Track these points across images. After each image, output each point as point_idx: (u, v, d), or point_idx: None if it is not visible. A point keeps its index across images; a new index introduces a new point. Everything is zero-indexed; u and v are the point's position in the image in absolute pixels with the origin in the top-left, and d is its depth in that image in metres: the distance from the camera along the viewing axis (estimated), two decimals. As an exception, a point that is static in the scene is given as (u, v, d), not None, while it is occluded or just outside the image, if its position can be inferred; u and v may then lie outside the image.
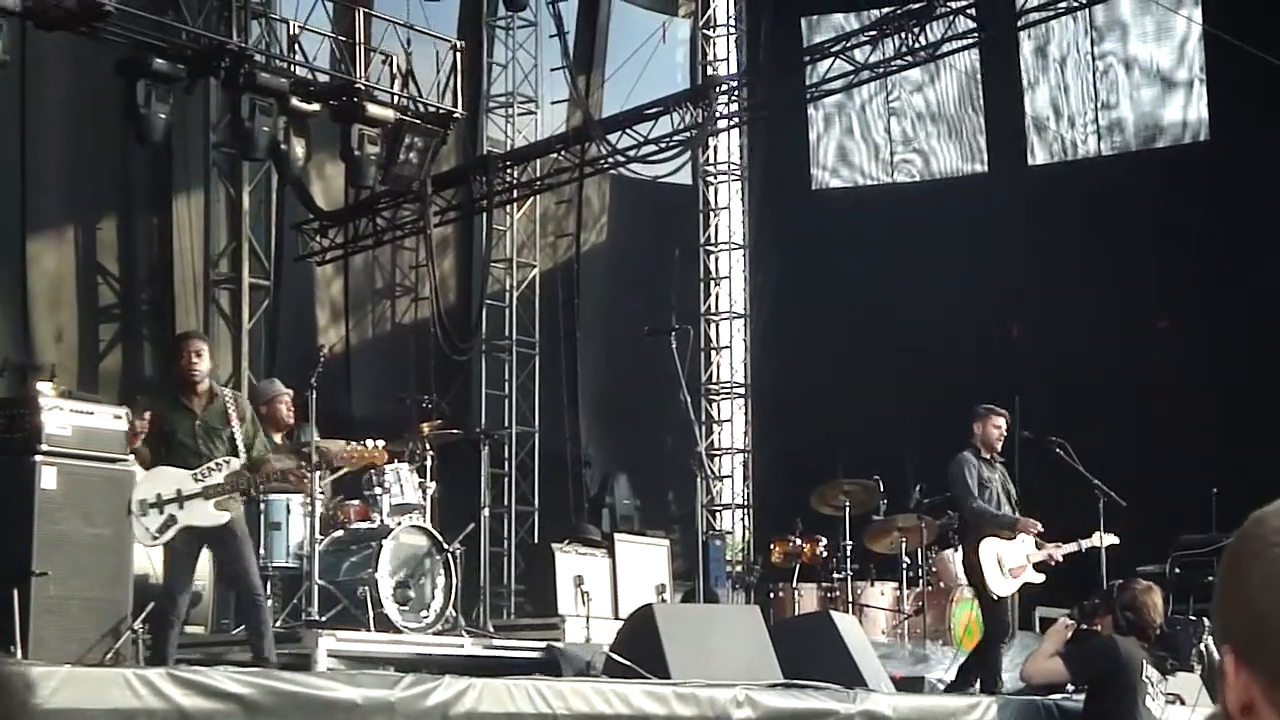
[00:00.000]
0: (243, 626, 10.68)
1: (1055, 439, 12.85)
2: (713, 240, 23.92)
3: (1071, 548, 12.90)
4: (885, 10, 18.29)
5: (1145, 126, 22.01)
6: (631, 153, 18.52)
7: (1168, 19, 21.31)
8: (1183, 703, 10.83)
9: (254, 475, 10.23)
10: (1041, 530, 12.73)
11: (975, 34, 17.91)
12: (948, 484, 13.33)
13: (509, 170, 19.69)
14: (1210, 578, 13.44)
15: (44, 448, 9.28)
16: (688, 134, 18.44)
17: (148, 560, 11.05)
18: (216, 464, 10.06)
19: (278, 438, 12.87)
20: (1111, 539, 13.03)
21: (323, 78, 16.45)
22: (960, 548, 13.81)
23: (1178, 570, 15.52)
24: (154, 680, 7.56)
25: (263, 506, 11.89)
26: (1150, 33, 21.82)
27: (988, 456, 12.82)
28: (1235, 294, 19.96)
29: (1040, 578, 12.88)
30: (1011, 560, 12.64)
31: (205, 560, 12.37)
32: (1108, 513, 13.07)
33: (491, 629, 13.19)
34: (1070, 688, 11.44)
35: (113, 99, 15.69)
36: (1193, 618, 13.44)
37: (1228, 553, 1.78)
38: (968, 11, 17.38)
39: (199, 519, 9.95)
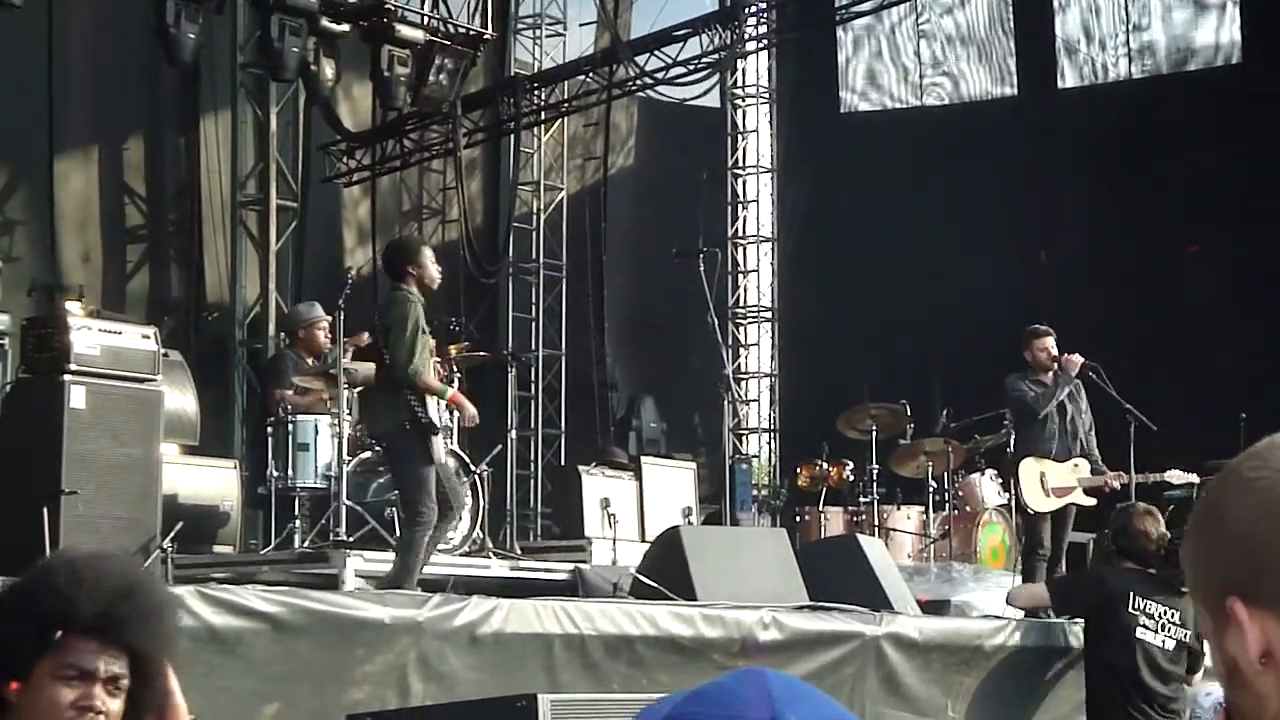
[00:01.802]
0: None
1: (1088, 362, 12.83)
2: (740, 164, 23.84)
3: (1139, 479, 12.90)
4: (916, -68, 18.17)
5: (1177, 49, 21.85)
6: (659, 75, 18.43)
7: (1201, -60, 21.14)
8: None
9: None
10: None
11: (1007, -45, 17.79)
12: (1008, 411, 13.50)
13: (536, 92, 19.61)
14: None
15: (73, 367, 9.29)
16: (716, 56, 18.35)
17: (175, 480, 11.13)
18: None
19: (311, 362, 12.89)
20: (1190, 478, 12.98)
21: (352, -1, 16.39)
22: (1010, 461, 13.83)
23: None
24: (184, 598, 7.59)
25: (291, 427, 11.93)
26: (1183, -46, 21.64)
27: (1043, 378, 12.83)
28: (1265, 219, 19.83)
29: (1090, 501, 12.90)
30: (1056, 480, 12.68)
31: (233, 477, 12.49)
32: (1138, 436, 13.05)
33: (518, 551, 13.22)
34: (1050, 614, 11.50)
35: (141, 18, 15.66)
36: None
37: (1211, 499, 1.73)
38: (999, -68, 17.26)
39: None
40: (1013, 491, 13.02)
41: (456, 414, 11.00)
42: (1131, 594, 10.26)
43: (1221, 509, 1.69)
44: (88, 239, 17.16)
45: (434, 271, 10.29)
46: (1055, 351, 12.80)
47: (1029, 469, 12.69)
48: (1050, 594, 11.44)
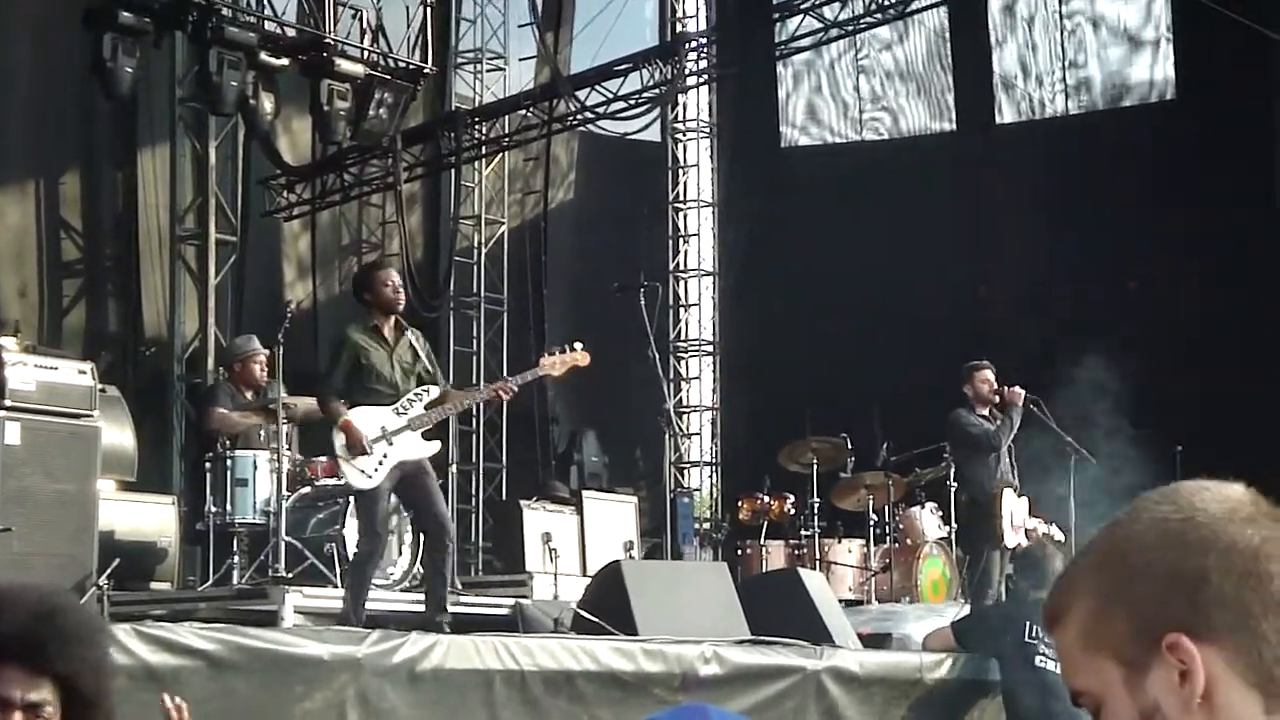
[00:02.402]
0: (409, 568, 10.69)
1: (1029, 395, 12.89)
2: (681, 197, 23.88)
3: (1044, 529, 12.97)
4: (855, -33, 18.23)
5: (1112, 85, 22.03)
6: (601, 109, 18.46)
7: (1136, -23, 21.33)
8: None
9: (444, 406, 10.38)
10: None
11: (944, -8, 17.90)
12: (950, 442, 13.46)
13: (477, 126, 19.61)
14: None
15: (7, 403, 9.23)
16: (657, 91, 18.38)
17: (112, 517, 11.04)
18: (416, 394, 10.17)
19: (249, 395, 12.84)
20: (1059, 534, 13.11)
21: (291, 32, 16.37)
22: (964, 499, 13.77)
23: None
24: (120, 637, 7.53)
25: (229, 462, 11.86)
26: (1118, -9, 21.83)
27: (984, 413, 12.87)
28: (1201, 252, 19.99)
29: (1025, 543, 12.96)
30: (1018, 517, 12.75)
31: (171, 513, 12.39)
32: (1077, 469, 13.12)
33: (459, 585, 13.16)
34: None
35: (78, 52, 15.59)
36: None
37: (1123, 547, 1.74)
38: (937, -31, 17.36)
39: (410, 452, 10.04)
40: (986, 525, 12.93)
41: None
42: (1029, 623, 10.32)
43: (1143, 554, 1.71)
44: (24, 274, 17.05)
45: (386, 294, 10.27)
46: (995, 384, 12.85)
47: (1006, 502, 12.70)
48: (955, 635, 11.47)
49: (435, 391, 10.34)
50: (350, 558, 11.24)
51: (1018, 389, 12.83)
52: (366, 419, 10.01)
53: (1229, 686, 1.65)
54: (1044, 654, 10.22)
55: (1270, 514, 1.73)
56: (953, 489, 14.11)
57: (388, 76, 16.72)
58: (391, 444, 10.01)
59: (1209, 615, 1.67)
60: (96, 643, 2.87)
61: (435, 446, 10.32)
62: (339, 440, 10.01)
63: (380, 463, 9.96)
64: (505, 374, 20.43)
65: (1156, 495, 1.77)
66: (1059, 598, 1.78)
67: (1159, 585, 1.69)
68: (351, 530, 11.46)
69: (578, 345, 11.06)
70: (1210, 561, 1.68)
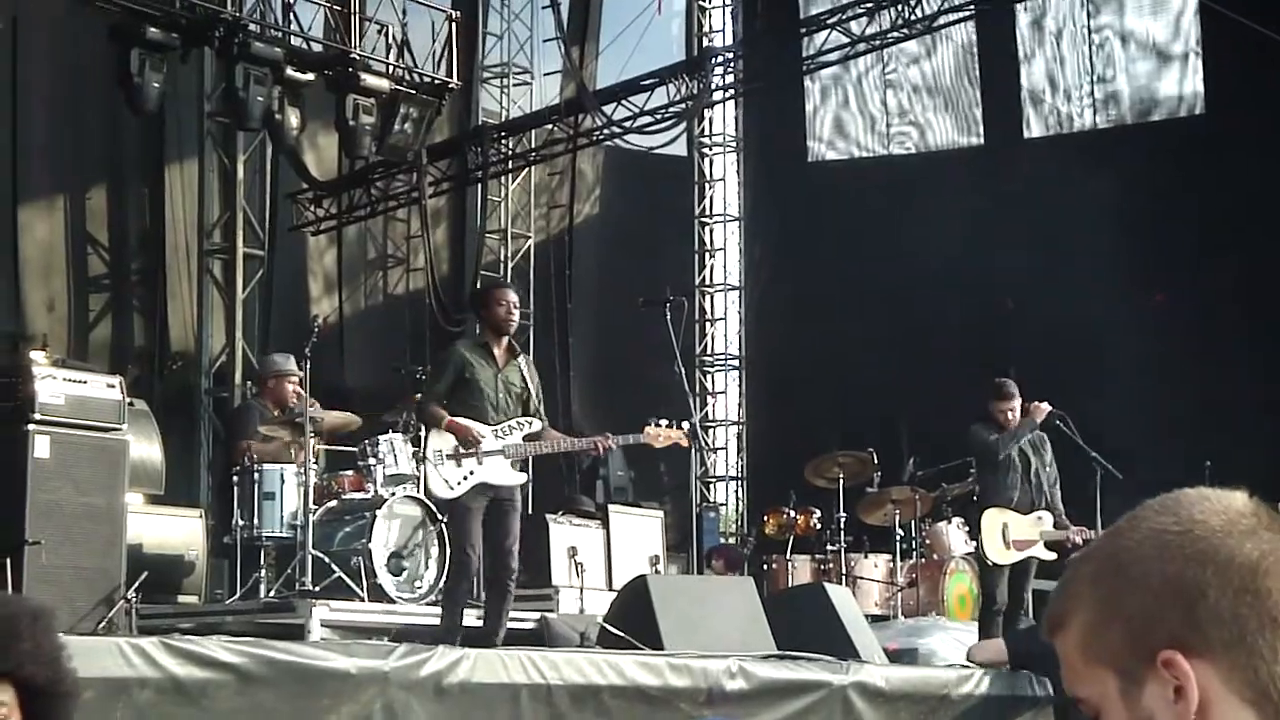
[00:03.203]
0: (479, 598, 10.64)
1: (1055, 410, 12.84)
2: (708, 212, 23.90)
3: (1083, 537, 12.89)
4: (882, -18, 18.24)
5: (1140, 100, 21.97)
6: (627, 124, 18.50)
7: (1164, -9, 21.29)
8: None
9: (540, 443, 10.35)
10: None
11: (971, 6, 17.88)
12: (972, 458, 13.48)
13: (503, 141, 19.65)
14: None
15: (37, 417, 9.24)
16: (683, 105, 18.42)
17: (140, 530, 11.07)
18: (518, 423, 10.18)
19: (277, 412, 12.85)
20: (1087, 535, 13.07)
21: (317, 47, 16.43)
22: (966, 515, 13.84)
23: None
24: (147, 649, 7.55)
25: (256, 476, 11.88)
26: (1146, 5, 21.77)
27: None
28: (1229, 267, 19.93)
29: (1051, 555, 12.86)
30: (1018, 532, 12.63)
31: (198, 526, 12.42)
32: (1104, 485, 13.07)
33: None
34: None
35: (105, 68, 15.66)
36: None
37: (1120, 559, 1.73)
38: (964, -17, 17.35)
39: (496, 476, 10.03)
40: (977, 539, 13.00)
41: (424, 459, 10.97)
42: None
43: (1140, 565, 1.71)
44: (52, 288, 17.12)
45: (499, 313, 10.30)
46: (1010, 414, 12.77)
47: (991, 520, 12.64)
48: (1008, 650, 11.41)
49: (537, 425, 10.32)
50: (378, 573, 11.28)
51: (1044, 405, 12.78)
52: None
53: (1224, 703, 1.65)
54: None
55: (1271, 526, 1.71)
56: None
57: (413, 91, 16.76)
58: (481, 463, 10.01)
59: (1205, 630, 1.65)
60: (43, 635, 2.80)
61: (523, 478, 10.30)
62: (435, 444, 9.99)
63: (465, 477, 9.98)
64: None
65: (1157, 505, 1.76)
66: (1059, 606, 1.78)
67: (1155, 598, 1.68)
68: (378, 544, 11.48)
69: (684, 425, 11.02)
70: (1207, 576, 1.67)
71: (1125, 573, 1.71)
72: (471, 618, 10.34)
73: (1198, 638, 1.66)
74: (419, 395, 10.37)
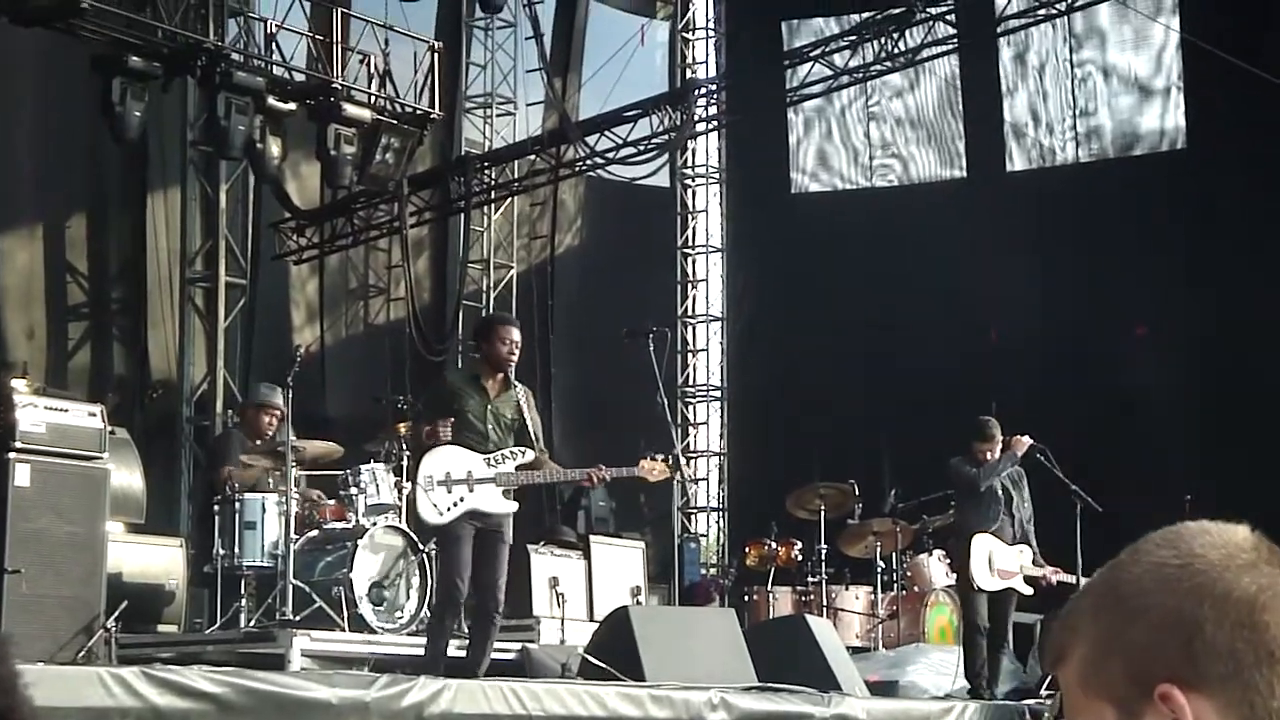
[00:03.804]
0: (461, 629, 10.57)
1: (1036, 444, 12.86)
2: (690, 243, 23.92)
3: (1068, 579, 12.90)
4: (865, 15, 18.30)
5: (1123, 134, 22.05)
6: (610, 155, 18.52)
7: (1146, 27, 21.35)
8: None
9: (534, 472, 10.33)
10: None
11: (954, 40, 17.95)
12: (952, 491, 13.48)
13: (486, 171, 19.66)
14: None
15: (18, 445, 9.22)
16: (666, 137, 18.45)
17: (120, 559, 11.03)
18: (511, 452, 10.14)
19: (257, 441, 12.81)
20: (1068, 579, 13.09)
21: (299, 77, 16.42)
22: (951, 542, 13.81)
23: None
24: (128, 679, 7.52)
25: (237, 505, 11.84)
26: (1129, 41, 21.86)
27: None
28: (1211, 301, 19.99)
29: (1029, 590, 12.89)
30: (1003, 562, 12.66)
31: (178, 555, 12.38)
32: (1084, 518, 13.08)
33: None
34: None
35: (86, 96, 15.64)
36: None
37: (1120, 590, 1.72)
38: (947, 18, 17.41)
39: (487, 504, 10.00)
40: (960, 563, 12.96)
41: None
42: None
43: (1139, 599, 1.70)
44: (32, 316, 17.08)
45: (501, 351, 10.28)
46: (987, 456, 12.80)
47: (980, 545, 12.66)
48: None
49: (530, 455, 10.27)
50: (359, 603, 11.26)
51: (1024, 438, 12.80)
52: (456, 458, 10.00)
53: None
54: None
55: (1272, 561, 1.70)
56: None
57: (394, 121, 16.76)
58: (472, 490, 9.97)
59: (1202, 665, 1.65)
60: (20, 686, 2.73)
61: (514, 506, 10.23)
62: (426, 470, 9.96)
63: (455, 504, 9.93)
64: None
65: (1158, 537, 1.76)
66: (1059, 638, 1.77)
67: (1153, 633, 1.68)
68: (359, 573, 11.46)
69: (671, 457, 11.01)
70: (1205, 610, 1.66)
71: (1124, 605, 1.71)
72: (454, 648, 10.30)
73: (1194, 672, 1.65)
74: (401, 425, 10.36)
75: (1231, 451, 18.42)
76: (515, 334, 10.49)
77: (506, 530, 10.19)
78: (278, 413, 12.64)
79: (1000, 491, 12.86)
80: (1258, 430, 18.85)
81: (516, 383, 10.44)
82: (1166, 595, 1.69)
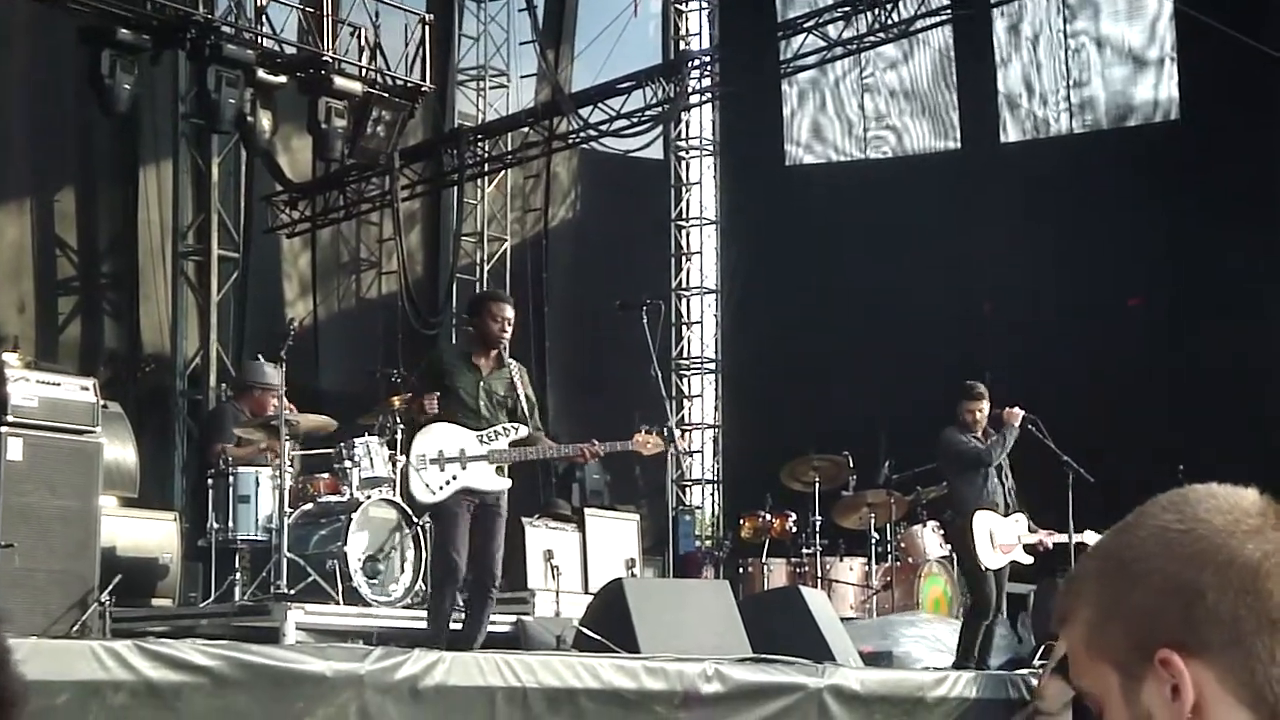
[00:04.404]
0: (459, 604, 10.49)
1: (1028, 414, 12.83)
2: (684, 215, 23.89)
3: (1062, 539, 12.90)
4: (859, -14, 18.25)
5: (1116, 105, 22.03)
6: (603, 127, 18.49)
7: (1140, -3, 21.34)
8: None
9: (528, 449, 10.32)
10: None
11: (948, 11, 17.90)
12: (941, 461, 13.33)
13: (479, 144, 19.62)
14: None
15: (10, 419, 9.20)
16: (660, 109, 18.40)
17: (114, 533, 11.02)
18: (504, 429, 10.13)
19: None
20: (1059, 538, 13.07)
21: (290, 50, 16.38)
22: (947, 517, 13.72)
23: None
24: (121, 652, 7.52)
25: (231, 479, 11.84)
26: (1122, 11, 21.84)
27: (977, 434, 12.77)
28: (1204, 272, 20.00)
29: (1029, 559, 12.88)
30: (1003, 536, 12.62)
31: (173, 529, 12.37)
32: (1076, 488, 13.08)
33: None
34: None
35: (76, 69, 15.59)
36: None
37: (1124, 554, 1.72)
38: (941, -12, 17.37)
39: (480, 481, 9.99)
40: (964, 544, 12.87)
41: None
42: None
43: (1142, 563, 1.69)
44: (22, 289, 17.04)
45: (492, 328, 10.25)
46: (980, 416, 12.77)
47: (981, 523, 12.58)
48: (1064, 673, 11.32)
49: (524, 431, 10.27)
50: (353, 576, 11.26)
51: (1016, 409, 12.77)
52: (449, 436, 9.99)
53: (1220, 704, 1.63)
54: None
55: (1279, 526, 1.69)
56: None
57: (385, 94, 16.72)
58: (465, 468, 9.96)
59: (1203, 631, 1.64)
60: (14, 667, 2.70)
61: (507, 483, 10.22)
62: (419, 449, 9.93)
63: (448, 482, 9.92)
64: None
65: (1164, 500, 1.75)
66: (1065, 601, 1.77)
67: (1155, 597, 1.67)
68: (353, 547, 11.45)
69: (665, 430, 11.00)
70: (1207, 576, 1.65)
71: (1128, 570, 1.70)
72: (452, 621, 10.30)
73: (1195, 638, 1.64)
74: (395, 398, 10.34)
75: (1224, 422, 18.42)
76: (508, 310, 10.46)
77: (502, 504, 10.19)
78: (275, 391, 12.63)
79: None
80: (1250, 401, 18.88)
81: (511, 359, 10.42)
82: (1169, 560, 1.68)
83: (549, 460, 16.57)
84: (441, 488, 9.91)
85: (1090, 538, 12.95)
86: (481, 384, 10.15)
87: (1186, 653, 1.64)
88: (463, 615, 10.24)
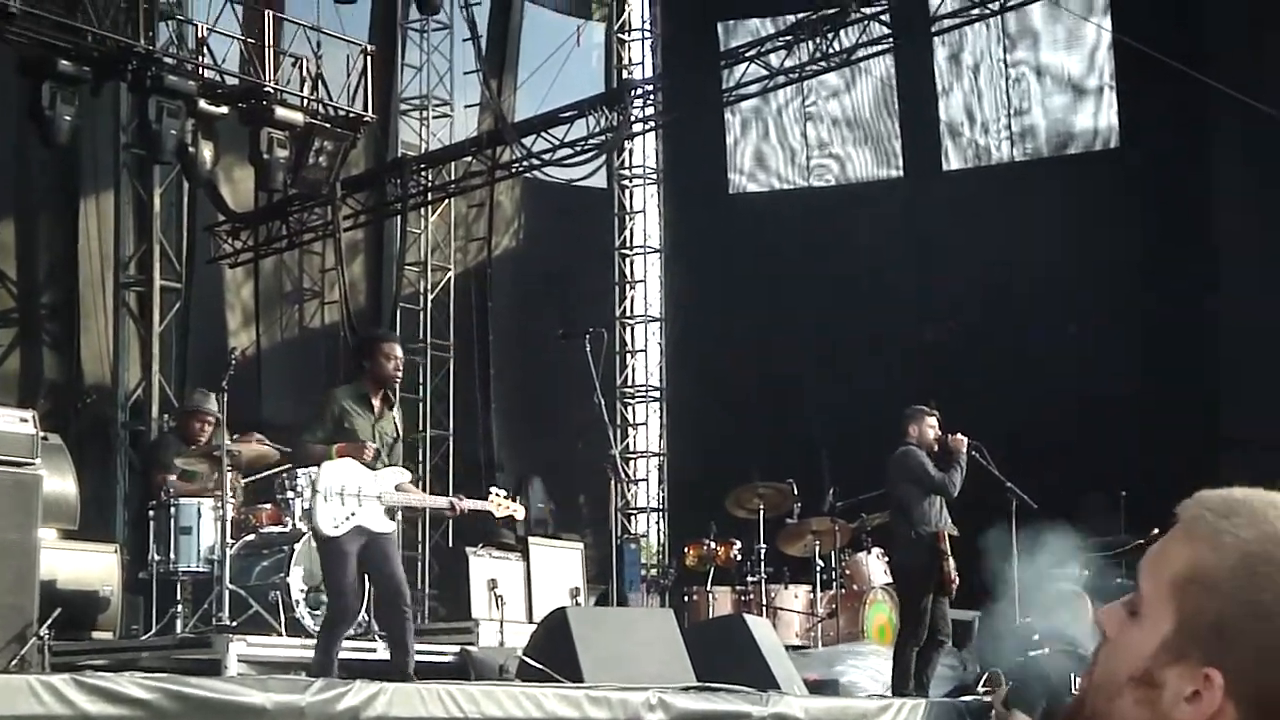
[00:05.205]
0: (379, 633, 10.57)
1: (972, 441, 12.84)
2: (628, 244, 23.92)
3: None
4: (800, 15, 18.34)
5: (1057, 133, 22.19)
6: (547, 156, 18.51)
7: (1079, 27, 21.48)
8: None
9: (410, 495, 10.48)
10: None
11: (889, 40, 18.00)
12: (895, 479, 13.07)
13: (423, 173, 19.62)
14: (1120, 579, 13.52)
15: (-52, 451, 9.14)
16: (603, 138, 18.44)
17: (54, 565, 10.94)
18: (394, 473, 10.17)
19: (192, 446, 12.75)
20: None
21: (231, 80, 16.34)
22: (903, 539, 13.47)
23: (1086, 572, 15.61)
24: (59, 686, 7.46)
25: (173, 510, 11.78)
26: (1061, 40, 22.00)
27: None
28: (1144, 298, 20.15)
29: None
30: (952, 560, 12.59)
31: (113, 561, 12.29)
32: (1019, 515, 13.11)
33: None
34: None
35: (15, 100, 15.51)
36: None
37: (1257, 565, 1.65)
38: (881, 18, 17.46)
39: (371, 521, 9.94)
40: (922, 566, 12.71)
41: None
42: (1073, 675, 10.25)
43: (1272, 606, 1.64)
44: (-40, 322, 16.95)
45: (387, 369, 10.19)
46: (939, 431, 12.77)
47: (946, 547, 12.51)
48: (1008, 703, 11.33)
49: (408, 476, 10.41)
50: (295, 607, 11.21)
51: (960, 436, 12.75)
52: (350, 473, 9.93)
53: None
54: None
55: None
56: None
57: (327, 125, 16.70)
58: (361, 505, 9.92)
59: (1256, 669, 1.61)
60: None
61: (394, 526, 10.24)
62: (326, 481, 9.87)
63: (347, 518, 9.87)
64: (450, 420, 20.53)
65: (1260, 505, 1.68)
66: (1185, 549, 1.68)
67: (1261, 652, 1.62)
68: (296, 578, 11.41)
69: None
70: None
71: (1259, 605, 1.63)
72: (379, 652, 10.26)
73: (1243, 673, 1.61)
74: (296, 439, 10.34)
75: (1168, 449, 18.51)
76: (399, 350, 10.48)
77: (393, 536, 10.23)
78: (211, 419, 12.59)
79: None
80: (1194, 428, 19.01)
81: (393, 400, 10.45)
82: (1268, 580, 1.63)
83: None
84: (341, 523, 9.86)
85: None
86: (376, 426, 10.13)
87: (1231, 688, 1.62)
88: (389, 646, 10.16)
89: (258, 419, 17.51)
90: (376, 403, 10.19)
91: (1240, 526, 1.66)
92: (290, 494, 12.07)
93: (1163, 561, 1.70)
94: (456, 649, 11.73)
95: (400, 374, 10.40)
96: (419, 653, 11.46)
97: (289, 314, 20.51)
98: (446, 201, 20.98)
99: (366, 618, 11.59)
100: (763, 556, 16.09)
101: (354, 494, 9.88)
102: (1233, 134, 19.55)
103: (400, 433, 10.41)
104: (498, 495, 11.05)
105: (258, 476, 12.69)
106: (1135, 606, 1.70)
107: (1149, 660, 1.66)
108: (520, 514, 11.30)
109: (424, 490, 14.80)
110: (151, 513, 11.94)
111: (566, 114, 18.52)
